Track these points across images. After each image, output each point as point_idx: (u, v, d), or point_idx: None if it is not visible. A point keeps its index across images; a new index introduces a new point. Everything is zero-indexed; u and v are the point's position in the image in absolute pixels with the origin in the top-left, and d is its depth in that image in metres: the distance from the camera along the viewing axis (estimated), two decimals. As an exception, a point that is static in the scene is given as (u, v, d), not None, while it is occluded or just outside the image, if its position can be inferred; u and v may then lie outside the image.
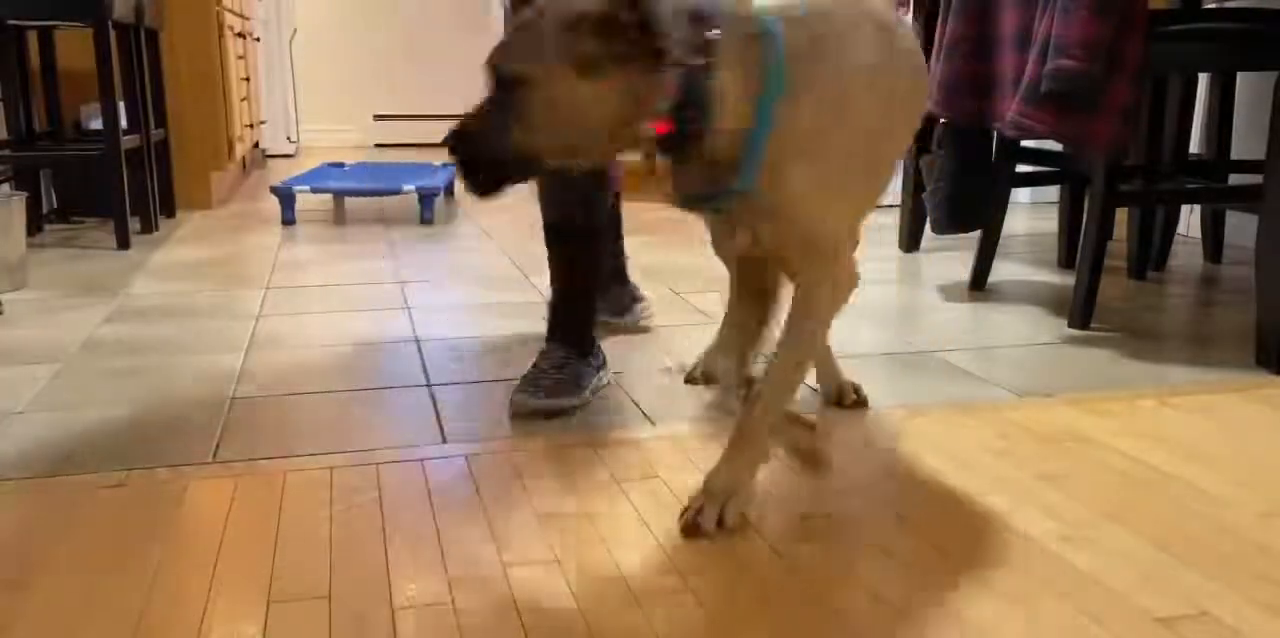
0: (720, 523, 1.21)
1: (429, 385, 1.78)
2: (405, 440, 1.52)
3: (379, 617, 1.03)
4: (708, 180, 1.17)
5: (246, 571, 1.13)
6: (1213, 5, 2.64)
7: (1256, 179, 1.99)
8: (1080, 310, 2.15)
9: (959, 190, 2.50)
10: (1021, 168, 2.61)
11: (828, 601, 1.07)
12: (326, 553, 1.17)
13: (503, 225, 3.54)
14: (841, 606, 1.06)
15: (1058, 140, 2.10)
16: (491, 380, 1.80)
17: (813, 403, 1.68)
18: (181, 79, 3.81)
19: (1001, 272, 2.71)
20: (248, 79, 4.73)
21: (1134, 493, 1.34)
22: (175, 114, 3.79)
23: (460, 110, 1.21)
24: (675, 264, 2.80)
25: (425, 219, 3.59)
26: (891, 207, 3.20)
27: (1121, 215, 2.86)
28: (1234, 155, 2.80)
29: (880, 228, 3.26)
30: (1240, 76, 2.85)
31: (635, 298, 2.15)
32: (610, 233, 1.99)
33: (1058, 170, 2.74)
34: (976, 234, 2.54)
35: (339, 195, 3.85)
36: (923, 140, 2.54)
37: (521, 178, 1.19)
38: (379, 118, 6.83)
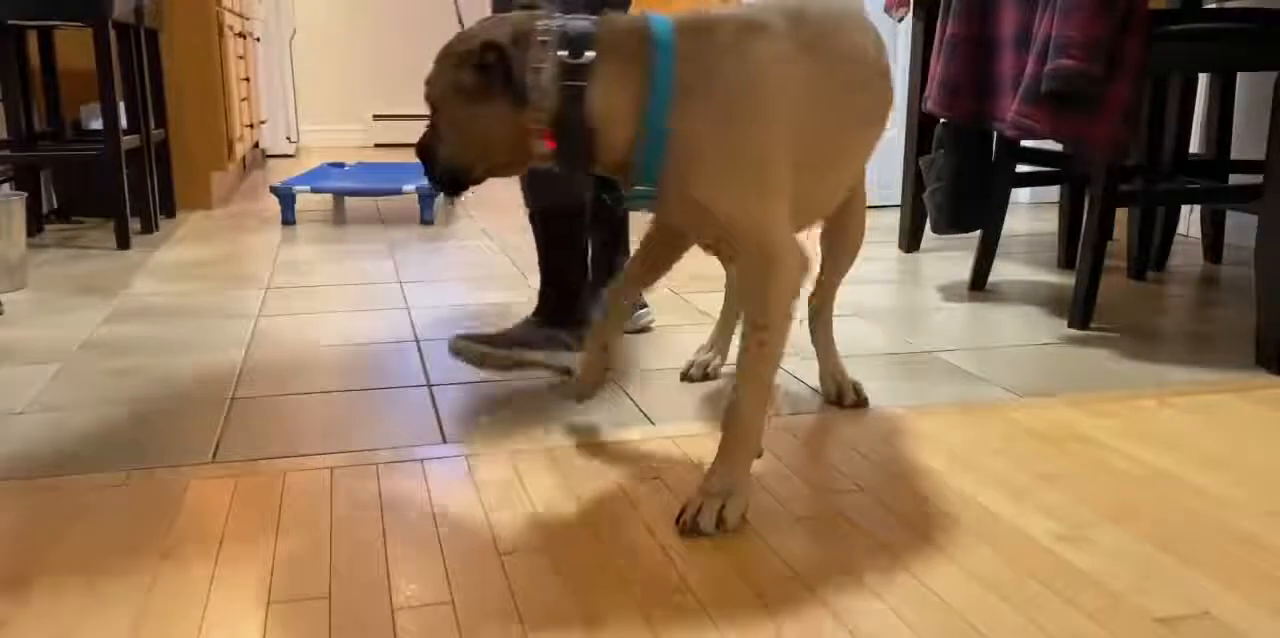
0: (720, 523, 1.21)
1: (429, 385, 1.78)
2: (405, 440, 1.52)
3: (379, 617, 1.03)
4: (626, 182, 1.28)
5: (246, 571, 1.13)
6: (1213, 5, 2.64)
7: (1256, 179, 1.99)
8: (1080, 310, 2.16)
9: (959, 190, 2.50)
10: (1021, 168, 2.61)
11: (828, 601, 1.07)
12: (326, 553, 1.17)
13: (503, 225, 3.54)
14: (841, 605, 1.06)
15: (1057, 140, 2.10)
16: (491, 381, 1.80)
17: (813, 403, 1.69)
18: (181, 79, 3.81)
19: (1001, 272, 2.71)
20: (248, 79, 4.73)
21: (1134, 493, 1.34)
22: (175, 114, 3.79)
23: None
24: (675, 264, 2.79)
25: (425, 219, 3.60)
26: (892, 207, 3.20)
27: (1121, 215, 2.87)
28: (1234, 155, 2.81)
29: (880, 228, 3.26)
30: (1240, 76, 2.85)
31: (637, 304, 2.14)
32: (607, 228, 1.99)
33: (1058, 170, 2.74)
34: (976, 234, 2.54)
35: (339, 195, 3.85)
36: (923, 140, 2.54)
37: (467, 182, 1.34)
38: (379, 118, 6.83)
